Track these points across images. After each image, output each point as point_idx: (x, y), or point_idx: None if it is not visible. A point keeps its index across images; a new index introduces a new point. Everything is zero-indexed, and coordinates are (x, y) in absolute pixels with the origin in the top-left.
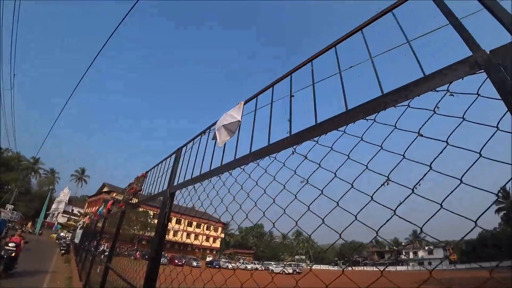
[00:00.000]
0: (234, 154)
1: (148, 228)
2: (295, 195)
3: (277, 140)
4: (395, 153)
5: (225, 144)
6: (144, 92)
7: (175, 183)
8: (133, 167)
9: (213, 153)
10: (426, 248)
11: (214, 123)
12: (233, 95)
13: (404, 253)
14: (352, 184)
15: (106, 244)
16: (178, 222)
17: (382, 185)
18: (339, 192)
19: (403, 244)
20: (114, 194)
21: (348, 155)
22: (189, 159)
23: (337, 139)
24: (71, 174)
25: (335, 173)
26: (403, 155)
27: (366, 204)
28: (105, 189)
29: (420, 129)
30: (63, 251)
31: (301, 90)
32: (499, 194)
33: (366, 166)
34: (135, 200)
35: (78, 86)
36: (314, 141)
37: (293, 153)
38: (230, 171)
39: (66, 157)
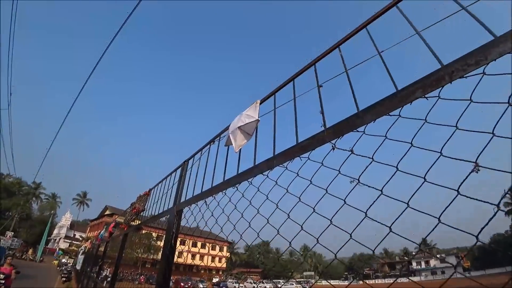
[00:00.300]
0: (253, 159)
1: (152, 251)
2: (344, 200)
3: (308, 137)
4: (478, 132)
5: (240, 150)
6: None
7: (182, 200)
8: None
9: (226, 162)
10: (438, 256)
11: (225, 130)
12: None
13: (415, 263)
14: (425, 178)
15: (108, 269)
16: (183, 243)
17: (472, 171)
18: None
19: (413, 253)
20: (116, 217)
21: (411, 142)
22: (197, 172)
23: (392, 124)
24: (72, 198)
25: (396, 167)
26: (493, 133)
27: (455, 198)
28: (107, 212)
29: (510, 97)
30: (64, 278)
31: (330, 79)
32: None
33: (440, 152)
34: (137, 222)
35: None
36: (358, 131)
37: (333, 149)
38: (250, 180)
39: (67, 179)
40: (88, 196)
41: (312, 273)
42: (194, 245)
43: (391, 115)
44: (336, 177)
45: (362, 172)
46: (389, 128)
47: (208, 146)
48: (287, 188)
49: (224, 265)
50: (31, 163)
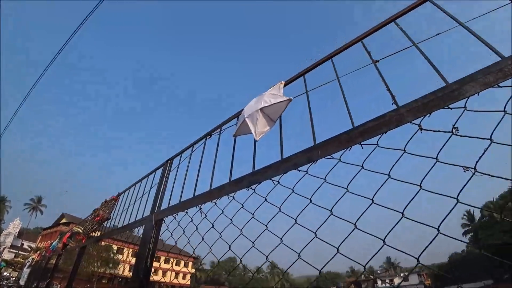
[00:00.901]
0: (280, 151)
1: (110, 265)
2: (315, 233)
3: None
4: None
5: (255, 142)
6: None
7: (164, 207)
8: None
9: (232, 157)
10: (402, 275)
11: (225, 122)
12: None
13: (380, 281)
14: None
15: (59, 285)
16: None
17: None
18: None
19: (378, 272)
20: (74, 226)
21: None
22: (186, 173)
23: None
24: (24, 203)
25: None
26: None
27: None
28: (64, 220)
29: None
30: None
31: (400, 51)
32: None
33: None
34: (98, 234)
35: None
36: (451, 108)
37: (420, 130)
38: (276, 179)
39: (22, 181)
40: (43, 202)
41: None
42: (157, 259)
43: (501, 87)
44: (433, 166)
45: (481, 157)
46: (508, 100)
47: (204, 140)
48: (347, 187)
49: (188, 282)
50: None
